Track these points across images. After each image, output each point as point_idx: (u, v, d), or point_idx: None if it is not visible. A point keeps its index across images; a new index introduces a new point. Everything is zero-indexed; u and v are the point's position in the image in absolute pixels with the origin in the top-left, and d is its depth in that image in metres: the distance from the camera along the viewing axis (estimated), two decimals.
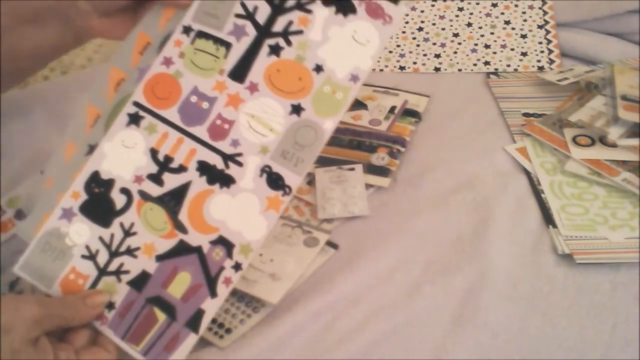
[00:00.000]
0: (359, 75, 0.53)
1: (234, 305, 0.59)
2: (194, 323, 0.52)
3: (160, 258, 0.54)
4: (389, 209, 0.68)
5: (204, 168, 0.54)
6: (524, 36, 0.88)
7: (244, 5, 0.55)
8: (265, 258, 0.62)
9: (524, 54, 0.86)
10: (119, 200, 0.55)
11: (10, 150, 0.76)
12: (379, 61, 0.88)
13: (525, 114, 0.77)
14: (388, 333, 0.57)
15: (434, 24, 0.91)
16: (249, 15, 0.55)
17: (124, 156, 0.55)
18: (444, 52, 0.88)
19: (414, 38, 0.90)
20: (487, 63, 0.86)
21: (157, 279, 0.53)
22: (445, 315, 0.58)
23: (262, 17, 0.55)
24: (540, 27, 0.89)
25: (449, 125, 0.77)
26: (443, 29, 0.91)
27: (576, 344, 0.55)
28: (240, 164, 0.53)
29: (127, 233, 0.55)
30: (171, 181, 0.54)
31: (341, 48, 0.53)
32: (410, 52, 0.89)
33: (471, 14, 0.92)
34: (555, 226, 0.64)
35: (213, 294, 0.52)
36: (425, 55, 0.88)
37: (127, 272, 0.54)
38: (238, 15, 0.55)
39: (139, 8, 0.60)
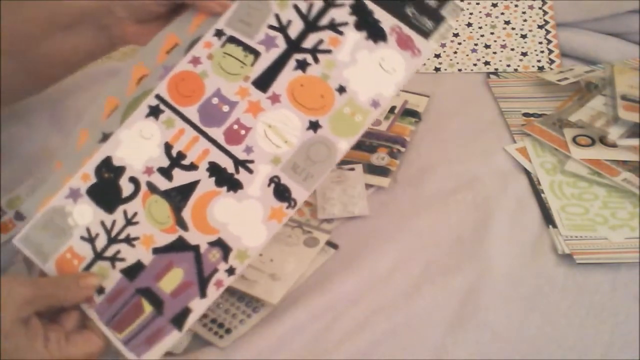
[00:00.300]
0: (380, 102, 0.54)
1: (234, 305, 0.59)
2: (179, 320, 0.52)
3: (157, 251, 0.53)
4: (389, 209, 0.68)
5: (215, 169, 0.54)
6: (524, 36, 0.88)
7: (277, 18, 0.56)
8: (265, 258, 0.62)
9: (524, 54, 0.86)
10: (126, 188, 0.55)
11: (10, 151, 0.76)
12: None
13: (525, 114, 0.77)
14: (388, 333, 0.57)
15: None
16: (282, 28, 0.56)
17: (138, 146, 0.56)
18: (444, 52, 0.88)
19: None
20: (487, 63, 0.86)
21: (151, 271, 0.53)
22: (445, 315, 0.58)
23: (294, 31, 0.56)
24: (540, 27, 0.89)
25: (449, 125, 0.77)
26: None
27: (576, 344, 0.55)
28: (250, 171, 0.54)
29: (129, 222, 0.55)
30: (180, 177, 0.55)
31: (367, 73, 0.54)
32: None
33: (471, 14, 0.92)
34: (555, 226, 0.64)
35: (203, 294, 0.52)
36: None
37: (122, 259, 0.54)
38: (271, 27, 0.56)
39: (173, 15, 0.61)
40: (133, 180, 0.55)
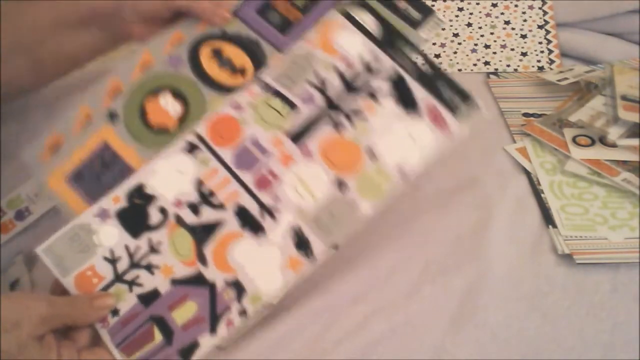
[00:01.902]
0: (407, 171, 0.56)
1: None
2: (186, 353, 0.53)
3: (174, 282, 0.55)
4: (389, 209, 0.68)
5: (241, 212, 0.56)
6: (524, 36, 0.88)
7: (319, 77, 0.59)
8: None
9: (524, 54, 0.86)
10: (154, 216, 0.57)
11: (10, 151, 0.76)
12: None
13: (525, 114, 0.77)
14: (388, 333, 0.57)
15: None
16: (321, 87, 0.59)
17: (172, 178, 0.58)
18: (444, 52, 0.88)
19: None
20: (487, 63, 0.86)
21: (166, 300, 0.55)
22: (445, 315, 0.58)
23: (333, 92, 0.59)
24: (540, 27, 0.89)
25: None
26: (443, 29, 0.91)
27: (576, 344, 0.55)
28: (274, 218, 0.56)
29: (153, 249, 0.56)
30: (207, 214, 0.57)
31: (398, 142, 0.56)
32: None
33: (471, 14, 0.92)
34: (555, 226, 0.64)
35: (213, 330, 0.53)
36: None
37: (140, 285, 0.56)
38: (311, 84, 0.59)
39: (177, 18, 0.64)
40: (162, 210, 0.57)
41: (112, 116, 0.62)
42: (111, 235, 0.57)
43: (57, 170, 0.61)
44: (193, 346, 0.53)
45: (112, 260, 0.57)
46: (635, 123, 0.70)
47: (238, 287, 0.54)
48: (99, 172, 0.60)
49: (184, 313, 0.54)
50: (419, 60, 0.59)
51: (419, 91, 0.58)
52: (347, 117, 0.58)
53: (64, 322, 0.52)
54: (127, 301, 0.55)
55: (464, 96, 0.57)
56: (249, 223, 0.56)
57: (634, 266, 0.60)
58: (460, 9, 0.92)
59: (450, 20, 0.91)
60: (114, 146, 0.61)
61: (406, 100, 0.58)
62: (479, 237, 0.63)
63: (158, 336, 0.54)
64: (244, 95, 0.60)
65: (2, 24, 0.63)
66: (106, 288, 0.56)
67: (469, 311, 0.57)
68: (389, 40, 0.60)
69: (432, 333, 0.56)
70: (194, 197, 0.57)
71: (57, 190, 0.60)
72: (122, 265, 0.56)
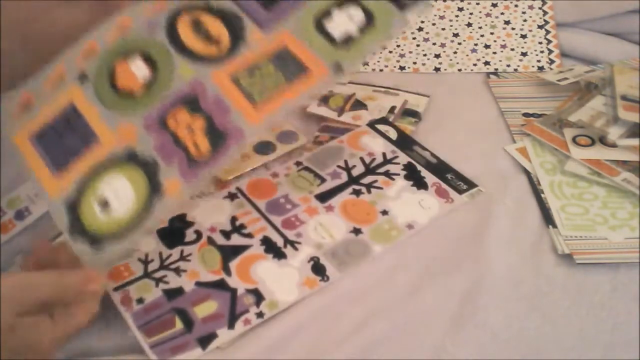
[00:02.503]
0: (415, 225, 0.65)
1: None
2: (204, 341, 0.56)
3: (199, 284, 0.60)
4: None
5: (267, 241, 0.64)
6: (524, 36, 0.88)
7: (346, 163, 0.72)
8: None
9: (524, 54, 0.86)
10: (190, 236, 0.65)
11: (10, 151, 0.76)
12: (378, 61, 0.88)
13: (525, 114, 0.77)
14: (388, 333, 0.57)
15: (433, 24, 0.91)
16: (347, 169, 0.71)
17: (211, 212, 0.67)
18: (444, 52, 0.88)
19: (414, 38, 0.90)
20: (487, 63, 0.86)
21: (189, 297, 0.59)
22: (445, 315, 0.58)
23: (356, 172, 0.71)
24: (540, 27, 0.89)
25: (449, 125, 0.77)
26: (443, 29, 0.91)
27: (576, 344, 0.55)
28: (296, 249, 0.63)
29: (182, 258, 0.62)
30: (236, 240, 0.64)
31: (407, 206, 0.67)
32: (410, 52, 0.89)
33: (471, 14, 0.92)
34: (555, 226, 0.64)
35: (231, 326, 0.57)
36: (425, 55, 0.88)
37: (166, 282, 0.60)
38: (339, 166, 0.71)
39: None
40: (197, 232, 0.65)
41: (82, 77, 0.60)
42: (149, 244, 0.64)
43: (23, 128, 0.60)
44: (212, 336, 0.56)
45: (145, 262, 0.62)
46: (635, 123, 0.70)
47: (257, 295, 0.59)
48: (62, 133, 0.59)
49: (205, 309, 0.58)
50: (428, 154, 0.72)
51: (427, 175, 0.70)
52: (366, 187, 0.69)
53: (47, 301, 0.50)
54: (153, 293, 0.59)
55: (467, 181, 0.69)
56: (273, 250, 0.62)
57: (634, 266, 0.60)
58: (460, 9, 0.92)
59: (450, 20, 0.91)
60: (79, 107, 0.59)
61: (416, 180, 0.69)
62: (479, 237, 0.63)
63: (179, 324, 0.57)
64: (281, 167, 0.71)
65: None
66: (134, 282, 0.60)
67: (469, 311, 0.57)
68: (405, 143, 0.74)
69: (432, 333, 0.56)
70: (227, 226, 0.65)
71: (21, 147, 0.60)
72: (153, 265, 0.62)
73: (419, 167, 0.71)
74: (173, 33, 0.60)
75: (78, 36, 0.67)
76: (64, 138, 0.59)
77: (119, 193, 0.55)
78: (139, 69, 0.59)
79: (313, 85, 0.56)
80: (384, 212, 0.66)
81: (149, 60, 0.60)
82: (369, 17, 0.57)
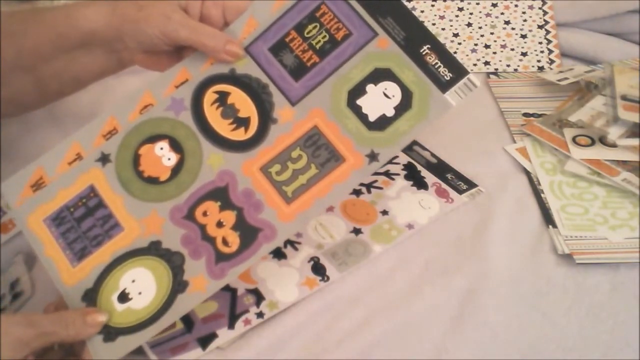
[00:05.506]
0: (414, 225, 0.65)
1: None
2: (204, 341, 0.56)
3: None
4: None
5: None
6: (524, 36, 0.88)
7: None
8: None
9: (524, 54, 0.86)
10: None
11: (10, 151, 0.76)
12: None
13: (525, 114, 0.77)
14: (388, 333, 0.57)
15: (433, 24, 0.91)
16: None
17: None
18: None
19: None
20: (487, 63, 0.86)
21: None
22: (445, 315, 0.58)
23: None
24: (540, 27, 0.89)
25: (449, 125, 0.77)
26: (443, 29, 0.91)
27: (576, 344, 0.55)
28: (296, 249, 0.63)
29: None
30: None
31: (407, 206, 0.66)
32: None
33: (471, 14, 0.92)
34: (555, 226, 0.64)
35: (231, 326, 0.57)
36: None
37: None
38: None
39: (181, 51, 0.60)
40: None
41: (103, 159, 0.58)
42: None
43: (38, 210, 0.58)
44: (211, 336, 0.56)
45: None
46: (635, 123, 0.70)
47: (257, 295, 0.59)
48: (81, 217, 0.57)
49: (205, 309, 0.58)
50: (428, 154, 0.72)
51: (427, 175, 0.69)
52: (366, 187, 0.68)
53: (48, 340, 0.50)
54: None
55: (467, 181, 0.69)
56: (273, 250, 0.57)
57: (634, 266, 0.60)
58: (460, 9, 0.92)
59: (450, 20, 0.91)
60: (100, 192, 0.57)
61: (417, 180, 0.69)
62: (479, 237, 0.64)
63: (179, 324, 0.57)
64: None
65: (4, 44, 0.62)
66: None
67: (469, 311, 0.57)
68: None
69: (432, 333, 0.56)
70: None
71: (35, 230, 0.58)
72: None
73: (419, 167, 0.71)
74: (199, 112, 0.58)
75: (90, 81, 0.67)
76: (83, 223, 0.57)
77: (141, 286, 0.54)
78: (164, 154, 0.58)
79: (347, 180, 0.53)
80: (384, 212, 0.66)
81: (175, 145, 0.58)
82: (406, 96, 0.54)
